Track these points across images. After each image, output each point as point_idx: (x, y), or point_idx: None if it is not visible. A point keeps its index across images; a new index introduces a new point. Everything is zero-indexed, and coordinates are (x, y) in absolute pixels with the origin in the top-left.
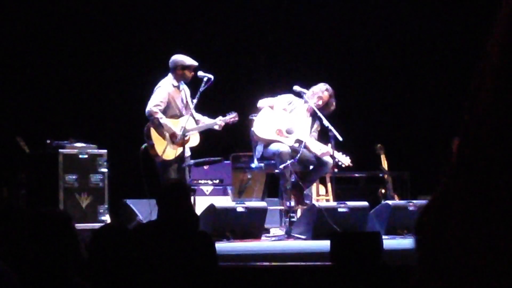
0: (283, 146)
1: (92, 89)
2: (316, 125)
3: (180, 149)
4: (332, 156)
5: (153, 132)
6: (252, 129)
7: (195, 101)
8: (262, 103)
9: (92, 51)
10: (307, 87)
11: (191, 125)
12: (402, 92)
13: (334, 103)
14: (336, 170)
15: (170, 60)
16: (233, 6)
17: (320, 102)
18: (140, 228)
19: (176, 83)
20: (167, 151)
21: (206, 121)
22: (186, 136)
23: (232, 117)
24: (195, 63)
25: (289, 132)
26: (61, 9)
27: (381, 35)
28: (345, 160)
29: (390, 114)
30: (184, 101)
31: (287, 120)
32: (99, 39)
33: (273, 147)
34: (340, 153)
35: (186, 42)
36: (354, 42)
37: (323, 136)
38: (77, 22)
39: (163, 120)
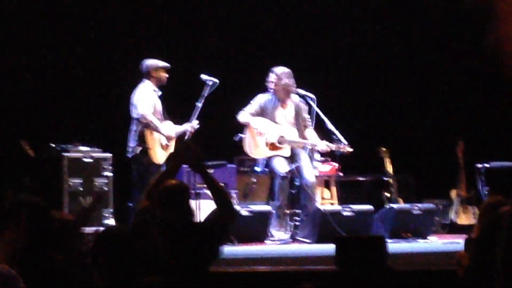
0: (281, 166)
1: (96, 92)
2: (302, 114)
3: (167, 153)
4: (332, 151)
5: (148, 136)
6: (245, 150)
7: (200, 105)
8: (243, 117)
9: (97, 55)
10: (311, 91)
11: (175, 129)
12: (406, 95)
13: (287, 80)
14: (341, 174)
15: (143, 66)
16: (236, 9)
17: (273, 86)
18: (144, 226)
19: (155, 88)
20: (160, 155)
21: (180, 127)
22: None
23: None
24: (168, 65)
25: (281, 142)
26: (64, 12)
27: (386, 38)
28: (345, 149)
29: (394, 117)
30: (162, 107)
31: (274, 130)
32: (104, 42)
33: (274, 164)
34: (335, 144)
35: (188, 47)
36: (358, 45)
37: (329, 140)
38: (82, 25)
39: (158, 123)
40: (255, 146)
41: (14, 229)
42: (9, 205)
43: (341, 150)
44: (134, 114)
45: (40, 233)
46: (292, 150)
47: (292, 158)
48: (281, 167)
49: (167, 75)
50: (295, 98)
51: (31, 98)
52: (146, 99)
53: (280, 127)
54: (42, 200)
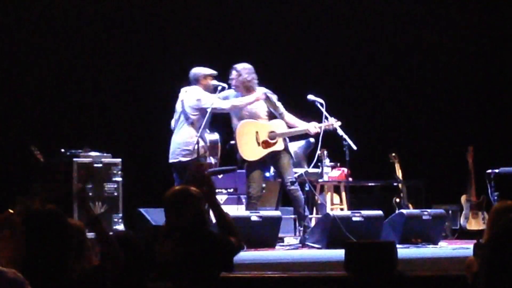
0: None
1: (106, 98)
2: (273, 103)
3: None
4: (321, 130)
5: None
6: (241, 156)
7: (209, 109)
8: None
9: (106, 61)
10: (322, 97)
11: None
12: (417, 101)
13: (247, 76)
14: (350, 179)
15: (191, 74)
16: (244, 12)
17: (234, 82)
18: (153, 231)
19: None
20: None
21: None
22: None
23: None
24: (215, 72)
25: (273, 137)
26: (74, 19)
27: (396, 44)
28: (333, 124)
29: (405, 123)
30: None
31: (261, 127)
32: (114, 49)
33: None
34: (324, 123)
35: (197, 53)
36: (369, 50)
37: (338, 144)
38: (90, 32)
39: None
40: (248, 148)
41: (16, 236)
42: (20, 215)
43: (331, 127)
44: (194, 115)
45: (55, 240)
46: (273, 154)
47: (273, 163)
48: (253, 187)
49: (214, 82)
50: (259, 91)
51: (41, 103)
52: (205, 94)
53: (267, 123)
54: (56, 207)
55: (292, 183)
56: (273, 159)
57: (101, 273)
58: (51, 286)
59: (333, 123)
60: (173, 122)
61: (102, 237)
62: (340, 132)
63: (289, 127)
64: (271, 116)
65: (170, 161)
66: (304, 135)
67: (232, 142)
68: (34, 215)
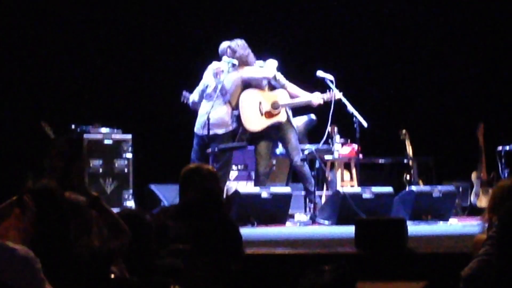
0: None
1: (117, 73)
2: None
3: None
4: (323, 101)
5: None
6: (244, 126)
7: (220, 86)
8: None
9: (116, 36)
10: (331, 73)
11: None
12: (427, 77)
13: (242, 51)
14: (361, 156)
15: (221, 49)
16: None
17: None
18: (164, 211)
19: None
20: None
21: None
22: None
23: None
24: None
25: (275, 106)
26: None
27: (406, 19)
28: (336, 95)
29: (415, 99)
30: None
31: (264, 97)
32: (124, 23)
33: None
34: (327, 94)
35: (207, 27)
36: (378, 26)
37: (348, 121)
38: (101, 7)
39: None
40: (251, 118)
41: (27, 215)
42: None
43: (334, 98)
44: (232, 88)
45: (51, 217)
46: (279, 128)
47: (278, 137)
48: (260, 164)
49: (225, 58)
50: (271, 63)
51: (51, 79)
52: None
53: (271, 94)
54: (53, 183)
55: (302, 160)
56: (278, 133)
57: (109, 250)
58: (57, 262)
59: (336, 93)
60: (196, 95)
61: (106, 215)
62: (351, 108)
63: (292, 97)
64: (272, 87)
65: (201, 133)
66: (306, 110)
67: (236, 112)
68: (29, 192)
